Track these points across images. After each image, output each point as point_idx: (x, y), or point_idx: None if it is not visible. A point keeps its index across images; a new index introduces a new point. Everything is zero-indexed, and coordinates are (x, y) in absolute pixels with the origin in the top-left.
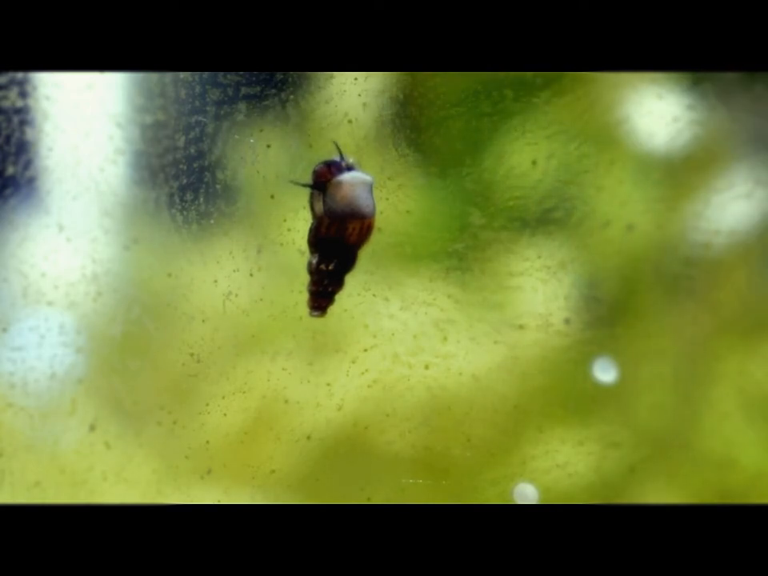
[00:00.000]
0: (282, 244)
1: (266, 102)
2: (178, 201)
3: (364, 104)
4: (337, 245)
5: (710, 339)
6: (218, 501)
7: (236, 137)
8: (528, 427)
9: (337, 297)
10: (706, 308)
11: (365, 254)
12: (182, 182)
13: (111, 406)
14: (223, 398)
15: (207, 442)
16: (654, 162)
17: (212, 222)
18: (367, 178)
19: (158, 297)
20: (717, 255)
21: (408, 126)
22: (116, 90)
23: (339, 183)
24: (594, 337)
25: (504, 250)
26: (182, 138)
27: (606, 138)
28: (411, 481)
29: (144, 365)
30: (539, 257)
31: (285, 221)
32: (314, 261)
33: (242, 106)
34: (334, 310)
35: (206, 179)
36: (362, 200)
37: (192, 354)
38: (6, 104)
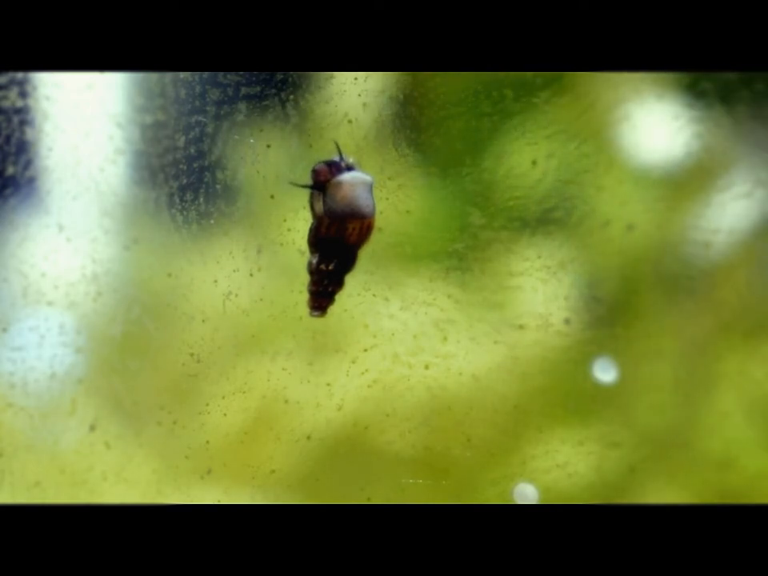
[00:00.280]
0: (282, 244)
1: (266, 102)
2: (177, 201)
3: (364, 104)
4: (337, 245)
5: (710, 339)
6: (218, 501)
7: (236, 137)
8: (528, 427)
9: (337, 297)
10: (706, 308)
11: (365, 254)
12: (181, 182)
13: (111, 406)
14: (223, 398)
15: (207, 442)
16: (654, 161)
17: (212, 222)
18: (367, 178)
19: (158, 297)
20: (717, 255)
21: (408, 126)
22: (116, 89)
23: (339, 183)
24: (594, 337)
25: (504, 249)
26: (182, 138)
27: (606, 138)
28: (411, 481)
29: (144, 365)
30: (539, 257)
31: (285, 221)
32: (314, 261)
33: (242, 105)
34: (334, 309)
35: (206, 179)
36: (362, 200)
37: (192, 354)
38: (6, 104)
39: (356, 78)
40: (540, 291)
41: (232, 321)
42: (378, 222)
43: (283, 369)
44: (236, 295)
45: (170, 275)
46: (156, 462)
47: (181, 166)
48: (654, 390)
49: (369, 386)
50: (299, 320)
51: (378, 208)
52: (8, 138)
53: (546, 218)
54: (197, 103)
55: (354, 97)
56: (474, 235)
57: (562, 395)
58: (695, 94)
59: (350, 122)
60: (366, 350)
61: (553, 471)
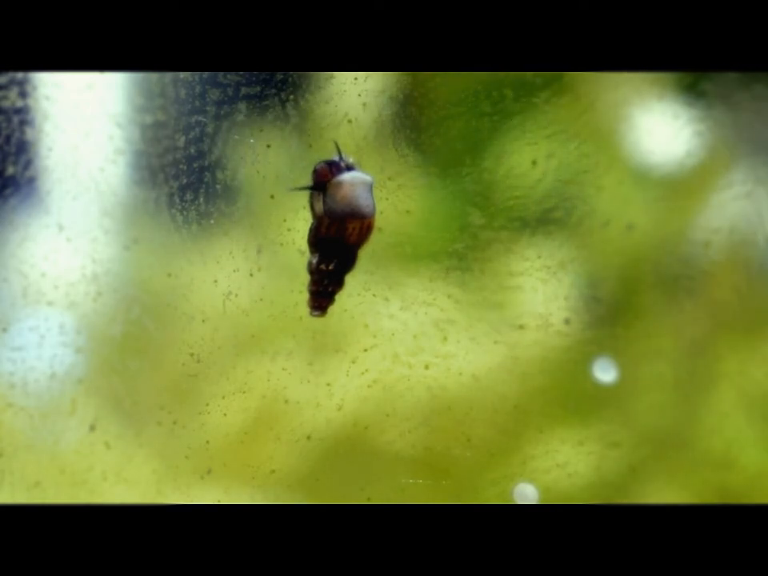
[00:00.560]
0: (282, 244)
1: (266, 102)
2: (178, 201)
3: (364, 104)
4: (337, 245)
5: (709, 339)
6: (218, 501)
7: (236, 137)
8: (528, 427)
9: (337, 297)
10: (706, 308)
11: (365, 254)
12: (181, 181)
13: (111, 406)
14: (223, 398)
15: (207, 442)
16: (654, 161)
17: (212, 222)
18: (367, 178)
19: (158, 297)
20: (717, 255)
21: (408, 126)
22: (116, 89)
23: (339, 183)
24: (594, 337)
25: (504, 249)
26: (182, 138)
27: (606, 138)
28: (411, 481)
29: (144, 365)
30: (539, 257)
31: (285, 221)
32: (314, 261)
33: (242, 106)
34: (334, 309)
35: (206, 179)
36: (362, 200)
37: (192, 354)
38: (6, 104)
39: (356, 78)
40: (540, 291)
41: (232, 321)
42: (378, 221)
43: (283, 369)
44: (236, 295)
45: (169, 275)
46: (156, 462)
47: (181, 166)
48: (654, 389)
49: (369, 386)
50: (299, 320)
51: (378, 208)
52: (8, 138)
53: (545, 218)
54: (197, 103)
55: (354, 97)
56: (474, 235)
57: (562, 395)
58: (695, 93)
59: (349, 121)
60: (366, 350)
61: (553, 471)
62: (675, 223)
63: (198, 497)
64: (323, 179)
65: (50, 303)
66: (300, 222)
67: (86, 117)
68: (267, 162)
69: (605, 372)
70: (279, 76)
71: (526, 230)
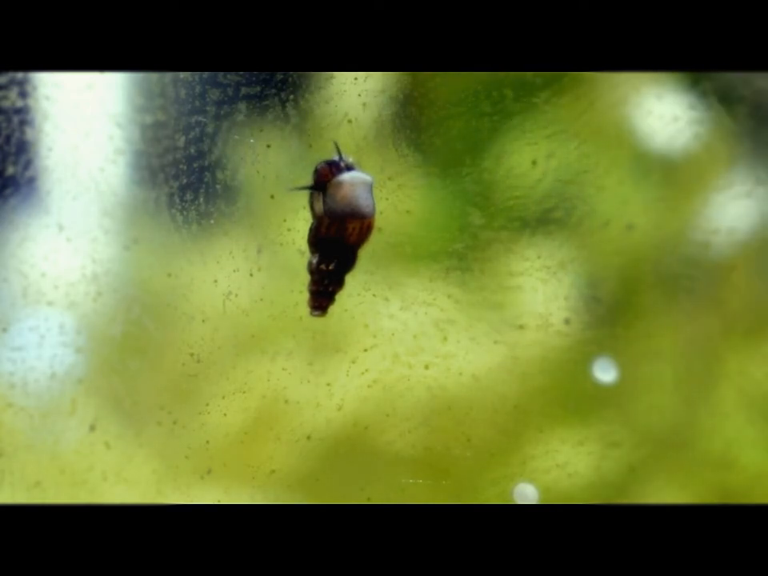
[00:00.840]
0: (281, 244)
1: (266, 102)
2: (178, 201)
3: (364, 104)
4: (337, 245)
5: (710, 339)
6: (218, 501)
7: (236, 137)
8: (528, 427)
9: (337, 297)
10: (705, 308)
11: (365, 254)
12: (181, 181)
13: (111, 406)
14: (223, 397)
15: (207, 442)
16: (654, 161)
17: (212, 222)
18: (367, 178)
19: (158, 297)
20: (717, 255)
21: (408, 126)
22: (116, 89)
23: (339, 183)
24: (594, 337)
25: (504, 249)
26: (182, 138)
27: (606, 138)
28: (411, 481)
29: (144, 365)
30: (539, 257)
31: (285, 221)
32: (314, 261)
33: (242, 105)
34: (334, 309)
35: (206, 179)
36: (362, 200)
37: (192, 354)
38: (6, 104)
39: (356, 78)
40: (540, 291)
41: (232, 321)
42: (378, 222)
43: (283, 369)
44: (236, 295)
45: (169, 275)
46: (156, 461)
47: (181, 166)
48: (654, 390)
49: (369, 386)
50: (299, 320)
51: (378, 208)
52: (8, 138)
53: (546, 218)
54: (197, 103)
55: (354, 97)
56: (474, 235)
57: (562, 395)
58: (696, 94)
59: (349, 121)
60: (366, 350)
61: (553, 471)
62: (675, 223)
63: (197, 497)
64: (323, 179)
65: (50, 303)
66: (300, 221)
67: (86, 117)
68: (267, 162)
69: (605, 372)
70: (279, 76)
71: (526, 230)
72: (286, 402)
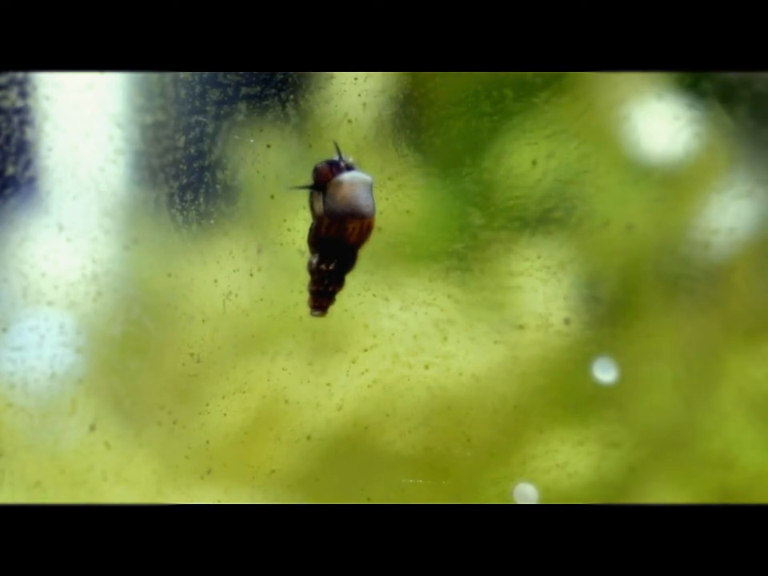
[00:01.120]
0: (281, 244)
1: (266, 102)
2: (177, 201)
3: (364, 104)
4: (337, 245)
5: (710, 339)
6: (218, 501)
7: (236, 137)
8: (528, 427)
9: (337, 297)
10: (705, 308)
11: (365, 254)
12: (182, 181)
13: (111, 406)
14: (223, 397)
15: (207, 442)
16: (654, 161)
17: (212, 222)
18: (367, 177)
19: (158, 297)
20: (717, 255)
21: (408, 126)
22: (116, 89)
23: (339, 183)
24: (594, 337)
25: (504, 249)
26: (182, 138)
27: (606, 138)
28: (411, 481)
29: (144, 365)
30: (539, 257)
31: (285, 221)
32: (314, 261)
33: (242, 105)
34: (334, 309)
35: (206, 179)
36: (362, 200)
37: (192, 354)
38: (6, 104)
39: (356, 78)
40: (540, 291)
41: (232, 321)
42: (378, 222)
43: (283, 369)
44: (236, 295)
45: (169, 275)
46: (156, 461)
47: (181, 166)
48: (654, 390)
49: (369, 386)
50: (299, 320)
51: (378, 208)
52: (8, 138)
53: (546, 218)
54: (197, 103)
55: (354, 97)
56: (474, 235)
57: (562, 395)
58: (695, 94)
59: (349, 121)
60: (366, 350)
61: (553, 471)
62: (675, 223)
63: (197, 497)
64: (323, 179)
65: (50, 303)
66: (300, 221)
67: (86, 117)
68: (267, 162)
69: (605, 372)
70: (279, 76)
71: (526, 230)
72: (286, 402)
